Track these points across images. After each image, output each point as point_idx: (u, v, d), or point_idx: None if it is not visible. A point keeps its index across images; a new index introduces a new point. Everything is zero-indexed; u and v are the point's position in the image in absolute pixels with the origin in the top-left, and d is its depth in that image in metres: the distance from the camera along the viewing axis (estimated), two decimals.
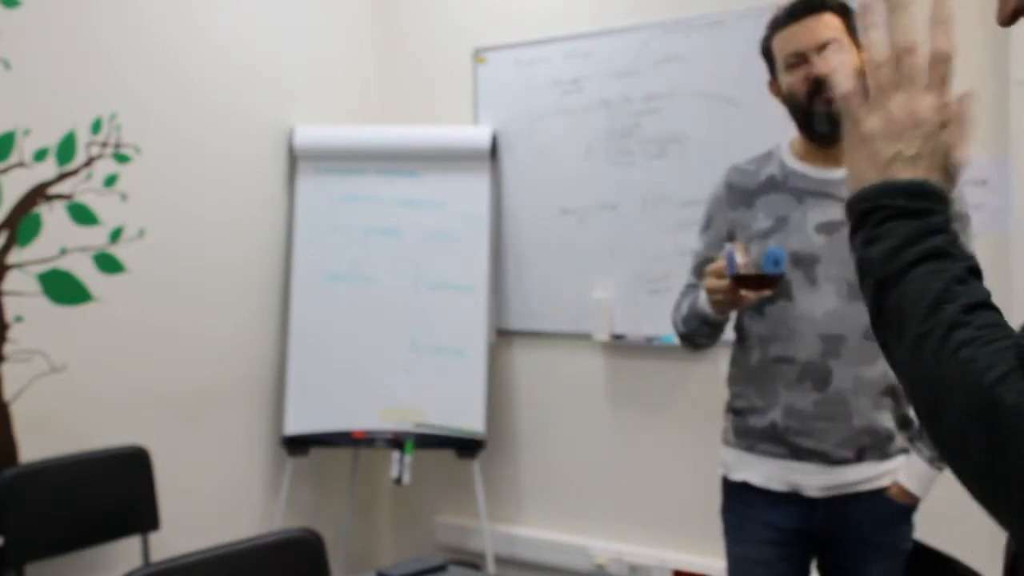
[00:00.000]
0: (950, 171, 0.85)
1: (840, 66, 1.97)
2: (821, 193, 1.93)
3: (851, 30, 1.91)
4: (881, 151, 0.85)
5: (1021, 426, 0.72)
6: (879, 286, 0.83)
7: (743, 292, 1.81)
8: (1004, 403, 0.73)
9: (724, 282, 1.79)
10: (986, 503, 0.76)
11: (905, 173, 0.84)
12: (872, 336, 1.96)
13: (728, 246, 1.82)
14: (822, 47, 1.87)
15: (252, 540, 1.94)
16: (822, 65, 1.86)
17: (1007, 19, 0.87)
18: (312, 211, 3.41)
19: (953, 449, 0.77)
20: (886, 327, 0.83)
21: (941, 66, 0.85)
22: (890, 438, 1.91)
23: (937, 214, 0.83)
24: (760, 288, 1.81)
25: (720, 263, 1.81)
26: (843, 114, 0.89)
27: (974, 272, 0.82)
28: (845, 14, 1.91)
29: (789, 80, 1.92)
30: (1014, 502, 0.74)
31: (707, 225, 2.08)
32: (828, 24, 1.88)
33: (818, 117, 1.89)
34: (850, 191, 0.88)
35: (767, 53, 1.98)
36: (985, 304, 0.80)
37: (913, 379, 0.80)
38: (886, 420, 1.89)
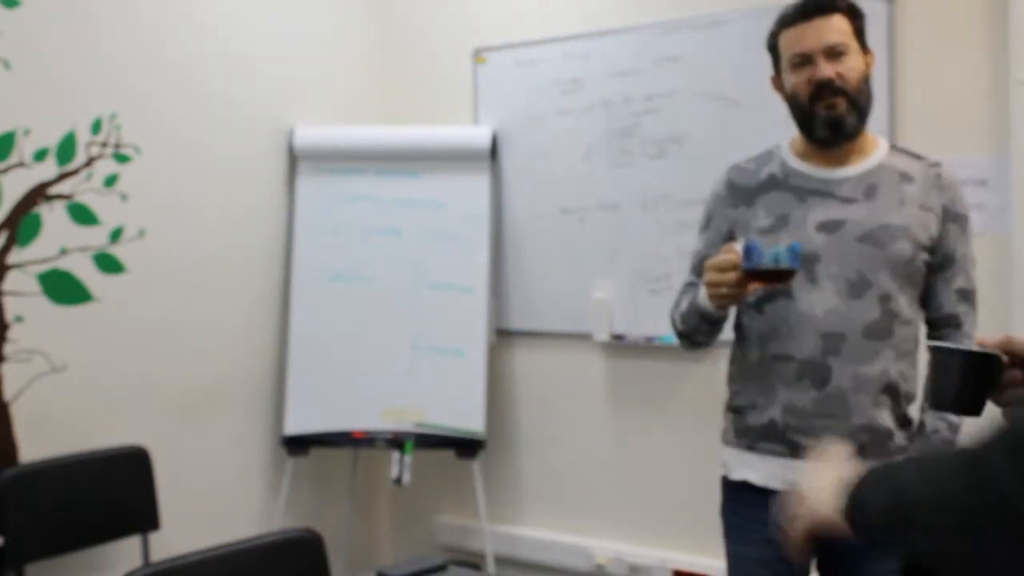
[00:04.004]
0: None
1: (847, 71, 1.98)
2: (822, 192, 1.93)
3: (858, 32, 1.91)
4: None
5: None
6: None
7: (753, 285, 1.81)
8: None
9: (729, 275, 1.79)
10: None
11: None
12: (872, 335, 1.97)
13: (748, 239, 1.82)
14: (829, 50, 1.87)
15: (252, 540, 1.94)
16: (827, 69, 1.86)
17: None
18: (312, 211, 3.41)
19: None
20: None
21: None
22: (889, 436, 1.91)
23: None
24: (774, 282, 1.82)
25: (723, 257, 1.80)
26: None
27: None
28: (854, 16, 1.91)
29: (793, 80, 1.92)
30: None
31: (707, 224, 2.08)
32: (836, 27, 1.87)
33: (819, 121, 1.89)
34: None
35: (773, 49, 1.97)
36: None
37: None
38: (885, 418, 1.89)
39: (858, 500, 1.09)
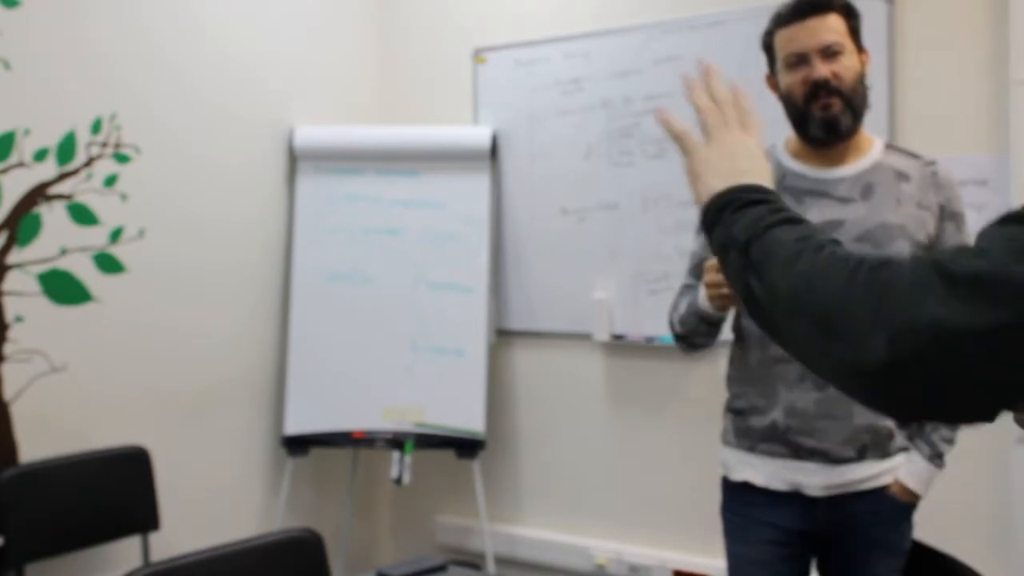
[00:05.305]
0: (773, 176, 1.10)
1: (843, 71, 1.97)
2: (818, 192, 1.93)
3: (853, 32, 1.91)
4: (723, 167, 1.12)
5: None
6: (745, 248, 0.98)
7: None
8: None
9: None
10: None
11: (744, 180, 1.07)
12: None
13: None
14: (824, 50, 1.86)
15: (252, 540, 1.94)
16: (822, 69, 1.86)
17: None
18: (312, 211, 3.41)
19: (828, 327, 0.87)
20: (753, 271, 0.96)
21: (739, 111, 1.25)
22: (890, 436, 1.91)
23: (777, 202, 1.03)
24: None
25: None
26: (682, 147, 1.22)
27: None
28: (849, 15, 1.90)
29: (788, 80, 1.92)
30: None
31: None
32: (832, 27, 1.87)
33: (814, 121, 1.89)
34: (701, 202, 1.10)
35: (768, 48, 1.97)
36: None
37: (787, 292, 0.91)
38: (886, 418, 1.90)
39: (728, 206, 1.04)
